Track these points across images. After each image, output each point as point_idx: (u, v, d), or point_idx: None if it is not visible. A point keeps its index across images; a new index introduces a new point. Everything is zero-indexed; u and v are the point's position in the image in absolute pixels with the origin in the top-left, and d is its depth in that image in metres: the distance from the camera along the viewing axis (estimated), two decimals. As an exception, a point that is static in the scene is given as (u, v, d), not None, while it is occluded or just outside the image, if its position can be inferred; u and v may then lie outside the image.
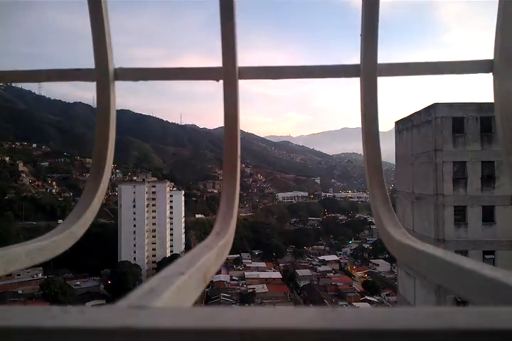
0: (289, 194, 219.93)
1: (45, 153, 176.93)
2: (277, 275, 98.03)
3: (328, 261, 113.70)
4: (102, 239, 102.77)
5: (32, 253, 1.11)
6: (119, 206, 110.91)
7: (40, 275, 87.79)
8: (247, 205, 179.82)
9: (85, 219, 1.37)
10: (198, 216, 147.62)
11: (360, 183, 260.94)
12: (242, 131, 1.88)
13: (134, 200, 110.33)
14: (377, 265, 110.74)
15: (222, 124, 1.53)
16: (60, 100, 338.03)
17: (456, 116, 27.22)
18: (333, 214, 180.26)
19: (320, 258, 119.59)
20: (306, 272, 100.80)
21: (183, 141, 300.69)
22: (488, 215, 26.54)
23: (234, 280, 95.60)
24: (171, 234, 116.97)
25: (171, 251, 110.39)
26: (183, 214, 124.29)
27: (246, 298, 78.83)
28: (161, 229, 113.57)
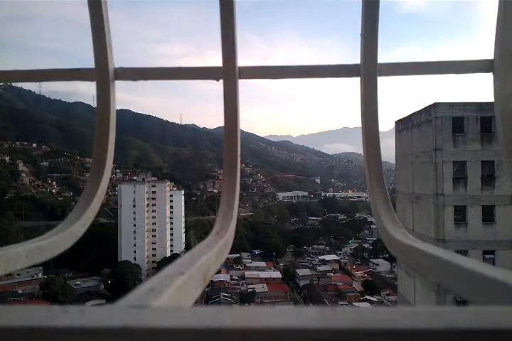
0: (289, 193, 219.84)
1: (45, 153, 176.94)
2: (277, 274, 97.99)
3: (328, 261, 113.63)
4: (102, 238, 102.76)
5: (32, 253, 1.11)
6: (119, 206, 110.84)
7: (40, 274, 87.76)
8: (247, 205, 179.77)
9: (85, 218, 1.37)
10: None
11: (360, 183, 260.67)
12: (242, 131, 1.88)
13: (134, 200, 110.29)
14: (377, 264, 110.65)
15: (222, 124, 1.53)
16: (60, 100, 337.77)
17: (456, 116, 27.21)
18: (333, 214, 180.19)
19: (320, 257, 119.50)
20: (306, 272, 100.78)
21: (183, 140, 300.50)
22: (488, 215, 26.52)
23: (234, 279, 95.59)
24: (171, 234, 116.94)
25: (171, 251, 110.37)
26: (183, 214, 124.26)
27: (246, 298, 78.86)
28: (161, 229, 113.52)
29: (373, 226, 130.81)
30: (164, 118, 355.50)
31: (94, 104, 1.62)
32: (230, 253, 1.31)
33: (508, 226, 25.62)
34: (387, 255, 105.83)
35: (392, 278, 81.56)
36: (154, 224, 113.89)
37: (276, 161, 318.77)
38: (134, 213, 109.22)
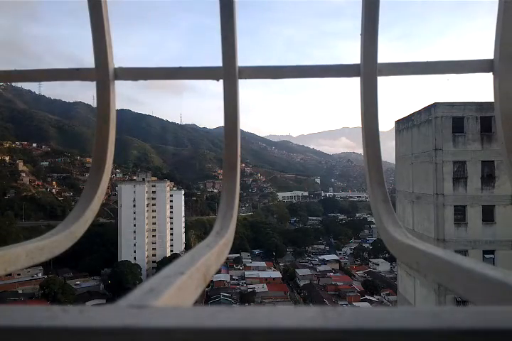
0: (289, 193, 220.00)
1: (45, 153, 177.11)
2: (277, 274, 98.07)
3: (328, 261, 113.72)
4: (102, 238, 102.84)
5: (32, 253, 1.11)
6: (119, 205, 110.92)
7: (40, 274, 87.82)
8: (247, 205, 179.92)
9: (85, 219, 1.37)
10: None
11: (360, 183, 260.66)
12: (242, 131, 1.88)
13: (134, 200, 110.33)
14: (377, 264, 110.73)
15: (222, 124, 1.53)
16: (60, 100, 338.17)
17: (456, 116, 27.21)
18: (333, 214, 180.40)
19: (320, 257, 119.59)
20: (306, 271, 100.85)
21: (183, 140, 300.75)
22: (488, 215, 26.53)
23: (234, 279, 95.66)
24: (171, 234, 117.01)
25: (171, 251, 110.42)
26: (183, 214, 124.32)
27: (246, 298, 78.91)
28: (161, 229, 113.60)
29: (373, 226, 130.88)
30: (164, 119, 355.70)
31: (94, 104, 1.62)
32: (230, 253, 1.31)
33: (508, 226, 25.63)
34: (387, 255, 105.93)
35: (392, 278, 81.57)
36: (154, 224, 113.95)
37: (276, 161, 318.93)
38: (134, 213, 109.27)
